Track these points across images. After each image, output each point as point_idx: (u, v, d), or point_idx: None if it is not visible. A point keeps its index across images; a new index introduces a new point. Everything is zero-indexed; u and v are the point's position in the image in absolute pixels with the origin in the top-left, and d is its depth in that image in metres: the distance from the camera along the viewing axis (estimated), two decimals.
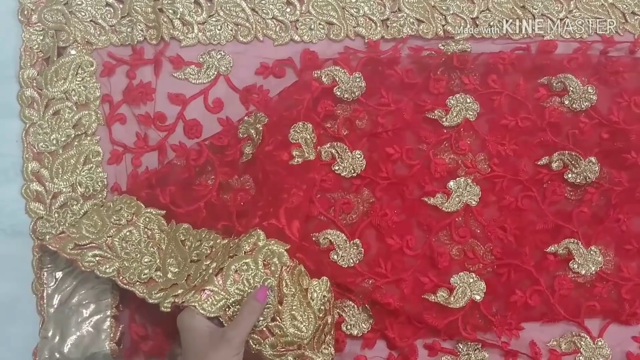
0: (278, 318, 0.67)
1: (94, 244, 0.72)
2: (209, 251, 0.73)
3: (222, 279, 0.66)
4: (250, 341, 0.65)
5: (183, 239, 0.75)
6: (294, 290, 0.69)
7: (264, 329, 0.66)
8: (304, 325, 0.68)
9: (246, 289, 0.66)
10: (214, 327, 0.63)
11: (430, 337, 0.81)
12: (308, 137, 0.79)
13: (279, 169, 0.76)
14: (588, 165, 0.84)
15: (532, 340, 0.82)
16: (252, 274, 0.67)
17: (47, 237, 0.77)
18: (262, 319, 0.66)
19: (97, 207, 0.77)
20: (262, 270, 0.68)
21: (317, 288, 0.72)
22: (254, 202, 0.78)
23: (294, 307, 0.68)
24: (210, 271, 0.68)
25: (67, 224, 0.79)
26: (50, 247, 0.71)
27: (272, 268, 0.69)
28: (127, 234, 0.74)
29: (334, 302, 0.78)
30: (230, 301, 0.65)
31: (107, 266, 0.71)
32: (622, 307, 0.83)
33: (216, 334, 0.62)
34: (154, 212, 0.76)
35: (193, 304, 0.63)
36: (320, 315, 0.71)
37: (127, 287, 0.71)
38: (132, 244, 0.73)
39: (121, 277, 0.71)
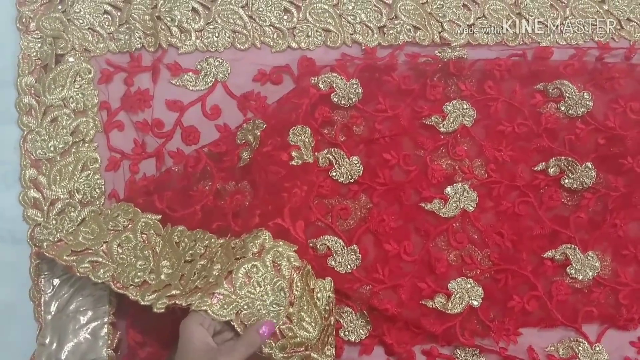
0: (289, 320, 0.67)
1: (90, 250, 0.72)
2: (203, 251, 0.73)
3: (232, 282, 0.65)
4: (262, 345, 0.64)
5: (178, 240, 0.75)
6: (302, 291, 0.69)
7: (277, 330, 0.66)
8: (311, 326, 0.68)
9: (257, 291, 0.66)
10: (211, 346, 0.61)
11: (428, 343, 0.81)
12: (306, 140, 0.79)
13: (279, 168, 0.76)
14: (584, 171, 0.85)
15: (530, 345, 0.82)
16: (262, 276, 0.67)
17: (45, 244, 0.78)
18: (275, 320, 0.65)
19: (95, 215, 0.77)
20: (272, 272, 0.68)
21: (323, 288, 0.73)
22: (251, 202, 0.78)
23: (302, 308, 0.69)
24: (216, 273, 0.67)
25: (64, 231, 0.79)
26: (47, 254, 0.71)
27: (283, 270, 0.69)
28: (124, 239, 0.74)
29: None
30: (242, 304, 0.64)
31: (102, 271, 0.71)
32: (620, 312, 0.83)
33: (210, 353, 0.60)
34: (150, 217, 0.76)
35: (203, 308, 0.62)
36: (326, 315, 0.71)
37: (121, 291, 0.71)
38: (128, 249, 0.73)
39: (115, 282, 0.71)
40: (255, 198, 0.77)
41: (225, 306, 0.64)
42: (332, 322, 0.73)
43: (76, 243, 0.72)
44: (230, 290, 0.65)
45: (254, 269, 0.67)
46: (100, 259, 0.72)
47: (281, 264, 0.69)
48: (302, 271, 0.70)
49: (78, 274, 0.70)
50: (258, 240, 0.69)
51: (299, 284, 0.69)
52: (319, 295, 0.72)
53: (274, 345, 0.65)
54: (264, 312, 0.65)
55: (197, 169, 0.80)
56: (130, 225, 0.75)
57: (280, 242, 0.71)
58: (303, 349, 0.67)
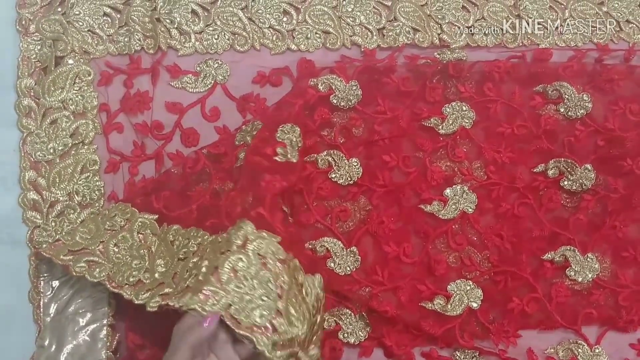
0: (279, 314, 0.66)
1: (87, 250, 0.72)
2: (195, 248, 0.73)
3: (219, 278, 0.65)
4: (255, 340, 0.63)
5: (172, 239, 0.75)
6: (290, 284, 0.68)
7: (268, 324, 0.64)
8: (299, 321, 0.67)
9: (244, 285, 0.65)
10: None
11: (427, 345, 0.81)
12: (294, 139, 0.78)
13: (262, 160, 0.75)
14: (584, 173, 0.85)
15: (530, 347, 0.82)
16: (248, 269, 0.66)
17: (44, 246, 0.78)
18: (266, 312, 0.64)
19: (94, 216, 0.77)
20: (257, 265, 0.67)
21: (312, 284, 0.71)
22: (234, 191, 0.77)
23: (290, 302, 0.67)
24: (204, 270, 0.66)
25: (63, 233, 0.79)
26: (45, 253, 0.71)
27: (268, 262, 0.68)
28: (121, 239, 0.74)
29: (332, 310, 0.78)
30: (231, 299, 0.64)
31: (98, 271, 0.71)
32: (619, 314, 0.83)
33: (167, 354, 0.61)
34: (147, 217, 0.76)
35: (192, 306, 0.62)
36: (313, 312, 0.70)
37: (116, 290, 0.70)
38: (124, 249, 0.73)
39: (111, 281, 0.71)
40: (238, 188, 0.76)
41: (214, 302, 0.63)
42: (318, 321, 0.72)
43: (73, 242, 0.72)
44: (218, 286, 0.64)
45: (240, 263, 0.66)
46: (97, 259, 0.72)
47: (266, 256, 0.68)
48: (287, 264, 0.69)
49: (74, 274, 0.70)
50: (241, 232, 0.68)
51: (285, 277, 0.68)
52: (307, 290, 0.70)
53: (267, 341, 0.64)
54: (253, 305, 0.64)
55: (195, 169, 0.80)
56: (127, 225, 0.75)
57: (264, 233, 0.69)
58: (294, 344, 0.66)
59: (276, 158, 0.76)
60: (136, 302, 0.69)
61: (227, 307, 0.63)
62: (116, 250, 0.73)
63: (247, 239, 0.68)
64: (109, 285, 0.70)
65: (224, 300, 0.64)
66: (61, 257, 0.71)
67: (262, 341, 0.63)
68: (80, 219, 0.80)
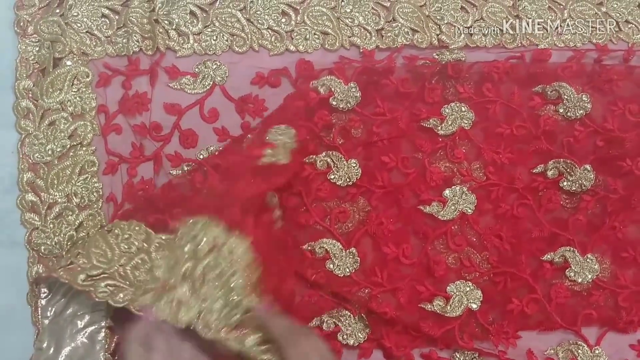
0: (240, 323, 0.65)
1: (105, 274, 0.68)
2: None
3: (189, 285, 0.64)
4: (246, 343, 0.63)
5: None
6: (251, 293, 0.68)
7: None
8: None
9: (215, 290, 0.64)
10: None
11: (427, 346, 0.81)
12: (288, 140, 0.77)
13: (245, 161, 0.74)
14: (583, 173, 0.85)
15: (529, 348, 0.82)
16: (219, 274, 0.65)
17: (42, 248, 0.78)
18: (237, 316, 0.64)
19: (104, 234, 0.73)
20: (228, 269, 0.66)
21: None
22: (207, 190, 0.75)
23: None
24: (168, 275, 0.66)
25: (65, 237, 0.78)
26: (61, 279, 0.68)
27: (238, 265, 0.67)
28: (139, 262, 0.70)
29: (331, 311, 0.79)
30: (203, 306, 0.63)
31: (121, 295, 0.66)
32: (619, 315, 0.83)
33: None
34: (164, 238, 0.73)
35: (163, 317, 0.61)
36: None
37: (141, 313, 0.66)
38: (144, 272, 0.69)
39: (134, 304, 0.66)
40: (212, 187, 0.75)
41: (185, 311, 0.62)
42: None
43: (91, 266, 0.69)
44: (188, 293, 0.63)
45: (208, 267, 0.65)
46: (117, 282, 0.68)
47: (236, 259, 0.67)
48: (256, 265, 0.69)
49: (97, 299, 0.66)
50: (211, 234, 0.67)
51: (249, 285, 0.68)
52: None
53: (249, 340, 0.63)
54: (224, 313, 0.64)
55: (204, 185, 0.78)
56: (144, 247, 0.72)
57: (234, 237, 0.68)
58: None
59: (263, 159, 0.74)
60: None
61: (199, 313, 0.63)
62: (137, 273, 0.69)
63: (216, 242, 0.67)
64: (133, 309, 0.66)
65: (196, 308, 0.63)
66: (79, 282, 0.67)
67: (238, 340, 0.63)
68: (78, 221, 0.79)
